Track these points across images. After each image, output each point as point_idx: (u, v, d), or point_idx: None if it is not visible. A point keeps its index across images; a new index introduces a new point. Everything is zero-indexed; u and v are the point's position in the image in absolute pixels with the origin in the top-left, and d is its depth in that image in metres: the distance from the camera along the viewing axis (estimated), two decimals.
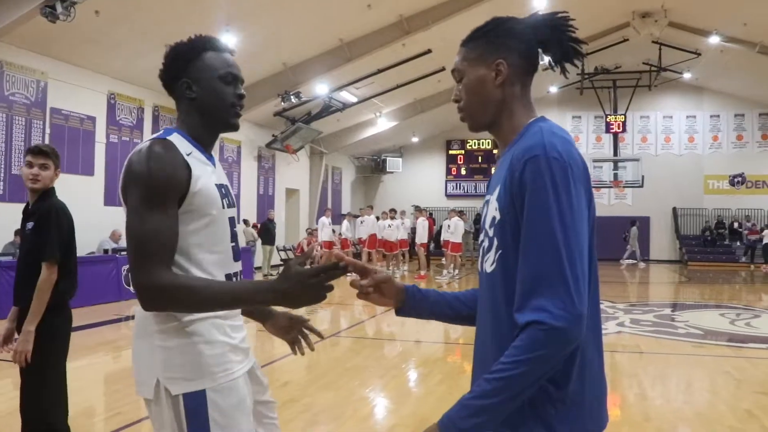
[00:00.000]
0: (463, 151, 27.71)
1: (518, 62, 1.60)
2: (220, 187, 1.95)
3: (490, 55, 1.60)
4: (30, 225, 3.44)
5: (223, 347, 1.88)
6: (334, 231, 20.02)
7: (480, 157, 27.47)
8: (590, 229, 1.47)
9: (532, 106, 1.66)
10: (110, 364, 7.34)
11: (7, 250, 10.96)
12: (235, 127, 2.02)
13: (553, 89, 24.03)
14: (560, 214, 1.38)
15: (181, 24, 11.98)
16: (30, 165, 3.46)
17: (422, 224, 18.41)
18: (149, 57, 12.97)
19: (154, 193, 1.75)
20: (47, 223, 3.40)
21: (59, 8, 9.48)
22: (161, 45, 10.21)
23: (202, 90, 1.92)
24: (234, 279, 1.97)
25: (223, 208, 1.94)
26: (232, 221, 2.01)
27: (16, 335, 3.40)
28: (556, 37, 1.61)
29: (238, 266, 2.01)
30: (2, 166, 11.58)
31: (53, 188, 3.57)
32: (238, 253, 2.03)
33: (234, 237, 2.01)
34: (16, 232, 11.05)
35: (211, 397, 1.82)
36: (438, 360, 7.80)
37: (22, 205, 11.09)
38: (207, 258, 1.87)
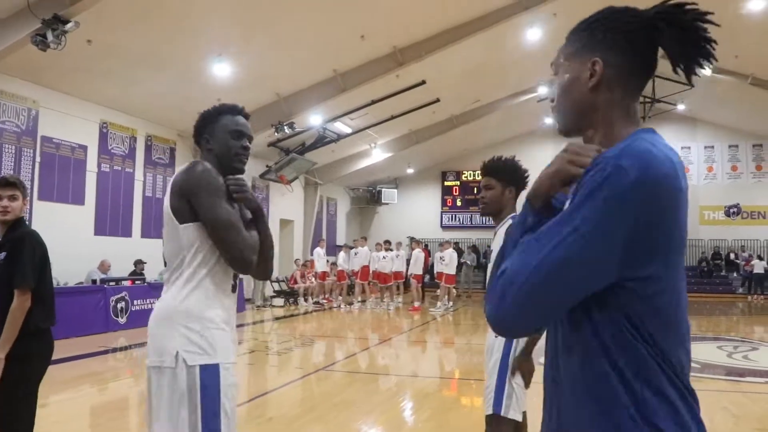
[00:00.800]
0: (458, 183, 27.68)
1: (621, 62, 1.35)
2: None
3: (588, 51, 1.37)
4: (2, 255, 3.41)
5: (228, 336, 2.45)
6: (328, 261, 19.90)
7: (475, 189, 27.32)
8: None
9: (636, 116, 1.39)
10: (95, 396, 7.11)
11: None
12: (240, 171, 2.60)
13: (549, 121, 24.08)
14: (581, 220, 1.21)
15: (172, 52, 12.00)
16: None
17: (417, 256, 18.26)
18: (142, 85, 12.98)
19: (218, 190, 2.42)
20: (20, 251, 3.39)
21: (50, 37, 9.45)
22: (154, 73, 10.26)
23: (216, 143, 2.56)
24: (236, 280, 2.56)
25: None
26: None
27: None
28: (683, 35, 1.32)
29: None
30: None
31: (23, 217, 3.59)
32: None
33: None
34: None
35: (222, 372, 2.34)
36: (429, 395, 7.60)
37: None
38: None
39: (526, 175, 3.34)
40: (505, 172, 3.33)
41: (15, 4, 9.59)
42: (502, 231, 3.21)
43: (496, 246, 3.20)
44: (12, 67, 11.03)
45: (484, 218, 25.06)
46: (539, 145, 23.75)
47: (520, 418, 3.16)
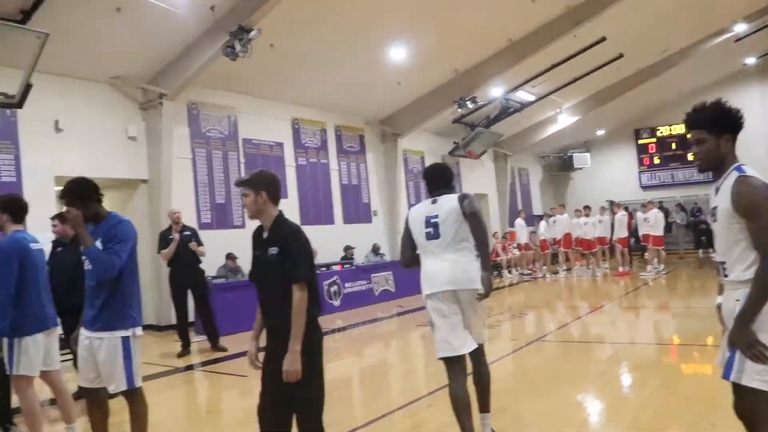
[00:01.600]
0: (654, 140, 25.70)
1: None
2: None
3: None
4: (274, 250, 3.57)
5: None
6: (528, 232, 19.57)
7: (673, 144, 25.34)
8: None
9: None
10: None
11: (219, 273, 11.74)
12: None
13: (750, 60, 21.71)
14: None
15: (349, 45, 12.32)
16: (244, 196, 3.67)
17: (620, 219, 17.33)
18: (325, 80, 13.50)
19: None
20: (293, 247, 3.57)
21: (238, 46, 10.11)
22: (336, 68, 10.59)
23: None
24: None
25: None
26: None
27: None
28: None
29: None
30: (208, 197, 12.49)
31: (281, 212, 3.69)
32: None
33: None
34: (228, 256, 11.86)
35: None
36: (653, 362, 7.20)
37: (228, 231, 11.68)
38: None
39: (739, 116, 2.87)
40: (715, 120, 2.88)
41: (204, 23, 10.41)
42: (727, 185, 2.82)
43: (721, 203, 2.84)
44: (211, 80, 12.00)
45: (687, 174, 23.67)
46: (743, 88, 21.61)
47: None
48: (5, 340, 4.64)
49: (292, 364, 3.39)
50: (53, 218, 6.60)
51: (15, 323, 4.57)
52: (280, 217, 3.66)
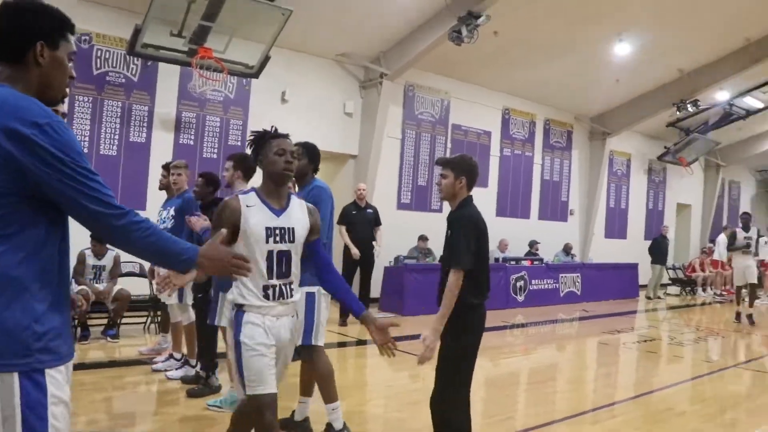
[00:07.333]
0: None
1: None
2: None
3: None
4: (448, 232, 3.69)
5: None
6: None
7: None
8: None
9: None
10: (491, 369, 7.30)
11: (411, 254, 12.10)
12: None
13: None
14: None
15: (575, 39, 12.04)
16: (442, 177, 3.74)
17: None
18: (543, 72, 13.31)
19: None
20: (456, 232, 3.61)
21: (464, 32, 10.18)
22: (555, 60, 10.43)
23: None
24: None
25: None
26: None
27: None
28: None
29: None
30: (411, 178, 12.87)
31: (469, 197, 3.73)
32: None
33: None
34: (420, 237, 12.19)
35: None
36: None
37: (425, 214, 12.14)
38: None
39: None
40: None
41: (434, 5, 10.57)
42: None
43: None
44: (429, 64, 12.20)
45: None
46: None
47: None
48: (213, 292, 5.07)
49: (424, 341, 3.48)
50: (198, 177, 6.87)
51: (223, 278, 4.76)
52: (464, 201, 3.70)
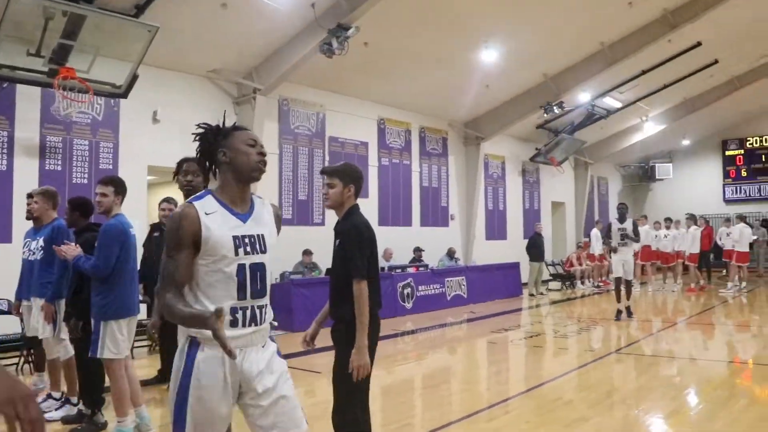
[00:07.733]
0: (742, 151, 24.69)
1: None
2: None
3: None
4: (337, 242, 3.62)
5: None
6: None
7: (763, 156, 24.36)
8: None
9: None
10: (384, 378, 7.23)
11: (296, 269, 11.92)
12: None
13: None
14: None
15: (442, 46, 12.30)
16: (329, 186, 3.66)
17: (693, 234, 16.64)
18: (415, 81, 13.53)
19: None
20: (349, 242, 3.54)
21: (335, 44, 10.17)
22: (426, 69, 10.61)
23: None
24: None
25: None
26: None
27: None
28: None
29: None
30: (291, 193, 12.70)
31: (356, 206, 3.68)
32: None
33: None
34: (304, 252, 12.03)
35: None
36: (743, 383, 6.91)
37: (307, 228, 11.91)
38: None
39: None
40: None
41: (304, 19, 10.48)
42: None
43: None
44: (303, 77, 12.12)
45: None
46: None
47: None
48: (93, 322, 4.78)
49: (352, 362, 3.43)
50: (162, 202, 6.77)
51: (103, 307, 4.70)
52: (351, 210, 3.64)
